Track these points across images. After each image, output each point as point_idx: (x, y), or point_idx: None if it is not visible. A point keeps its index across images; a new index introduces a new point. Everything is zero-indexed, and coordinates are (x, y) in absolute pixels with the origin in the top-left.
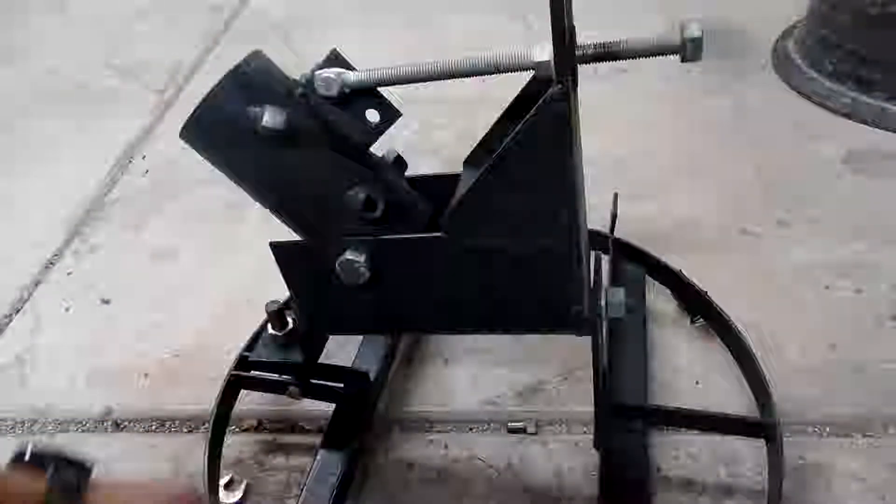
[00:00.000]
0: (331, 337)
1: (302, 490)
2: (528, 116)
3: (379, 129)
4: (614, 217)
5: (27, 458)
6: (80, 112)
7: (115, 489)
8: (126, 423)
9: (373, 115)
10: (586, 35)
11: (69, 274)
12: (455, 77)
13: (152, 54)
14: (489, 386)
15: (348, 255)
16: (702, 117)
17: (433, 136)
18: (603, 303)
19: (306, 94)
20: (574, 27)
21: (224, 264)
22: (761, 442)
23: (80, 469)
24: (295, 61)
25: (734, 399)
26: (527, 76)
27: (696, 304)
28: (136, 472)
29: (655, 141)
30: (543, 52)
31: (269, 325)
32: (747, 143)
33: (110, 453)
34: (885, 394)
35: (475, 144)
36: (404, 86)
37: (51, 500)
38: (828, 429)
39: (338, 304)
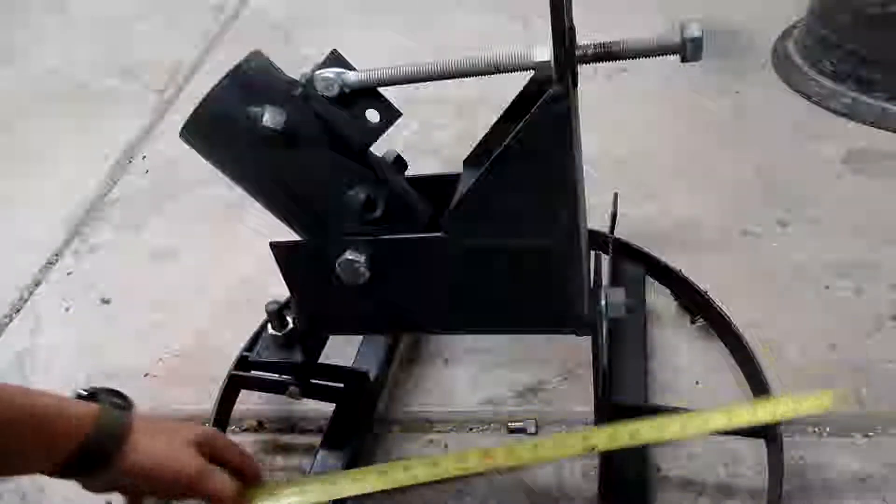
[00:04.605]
0: (331, 337)
1: None
2: (528, 116)
3: (379, 129)
4: (614, 217)
5: (76, 396)
6: (80, 112)
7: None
8: None
9: (373, 115)
10: (588, 35)
11: (69, 274)
12: (455, 77)
13: (152, 54)
14: (489, 386)
15: (348, 255)
16: (702, 117)
17: (433, 136)
18: (603, 303)
19: (306, 94)
20: (574, 27)
21: (224, 264)
22: (761, 442)
23: (124, 397)
24: (295, 61)
25: (734, 399)
26: (527, 76)
27: (695, 303)
28: None
29: (655, 141)
30: (543, 52)
31: (269, 325)
32: (747, 143)
33: None
34: (885, 394)
35: (475, 144)
36: (404, 86)
37: (104, 415)
38: (828, 429)
39: (338, 304)
